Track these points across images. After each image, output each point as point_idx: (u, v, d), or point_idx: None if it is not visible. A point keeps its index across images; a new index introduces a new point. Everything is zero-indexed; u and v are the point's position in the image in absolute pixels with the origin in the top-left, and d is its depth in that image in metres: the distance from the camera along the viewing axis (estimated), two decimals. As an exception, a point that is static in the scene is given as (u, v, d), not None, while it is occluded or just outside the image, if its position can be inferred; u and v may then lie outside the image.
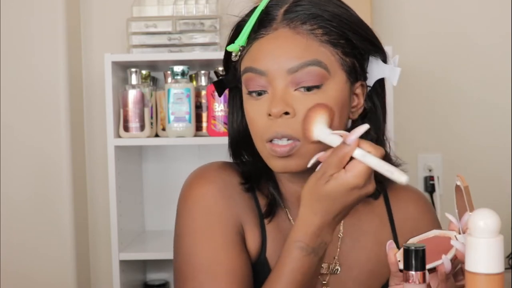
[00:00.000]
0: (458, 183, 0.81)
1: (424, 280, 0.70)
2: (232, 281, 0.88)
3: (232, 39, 0.92)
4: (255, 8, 0.90)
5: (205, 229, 0.91)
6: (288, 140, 0.85)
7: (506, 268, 1.34)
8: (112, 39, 2.04)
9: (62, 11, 1.93)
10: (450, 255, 0.78)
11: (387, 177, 0.75)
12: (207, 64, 1.90)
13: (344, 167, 0.78)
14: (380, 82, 0.96)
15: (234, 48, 0.89)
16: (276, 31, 0.87)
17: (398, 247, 0.96)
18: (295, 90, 0.85)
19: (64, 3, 1.93)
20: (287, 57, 0.85)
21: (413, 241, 0.83)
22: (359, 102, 0.93)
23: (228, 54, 0.93)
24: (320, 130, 0.81)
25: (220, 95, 0.99)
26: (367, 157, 0.76)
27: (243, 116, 0.94)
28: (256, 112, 0.87)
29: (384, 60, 0.94)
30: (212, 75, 1.93)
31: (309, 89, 0.85)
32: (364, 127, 0.78)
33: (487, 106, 2.04)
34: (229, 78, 0.95)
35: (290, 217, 0.96)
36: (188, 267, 0.90)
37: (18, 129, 1.94)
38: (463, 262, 0.77)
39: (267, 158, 0.88)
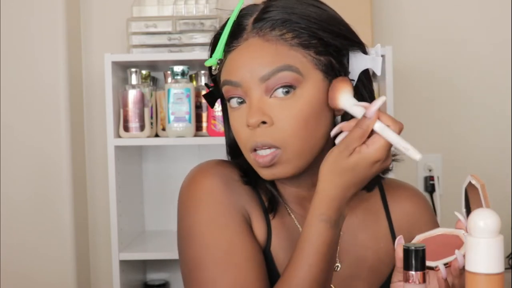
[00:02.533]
0: (473, 181, 0.81)
1: (424, 280, 0.70)
2: (252, 268, 0.88)
3: (211, 53, 0.93)
4: (228, 19, 0.91)
5: (217, 219, 0.90)
6: (269, 149, 0.86)
7: (506, 268, 1.34)
8: (112, 39, 2.05)
9: (62, 11, 1.93)
10: (463, 250, 0.78)
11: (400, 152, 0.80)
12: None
13: (364, 142, 0.81)
14: (366, 74, 0.95)
15: (211, 62, 0.91)
16: (246, 41, 0.88)
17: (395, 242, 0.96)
18: (271, 97, 0.86)
19: (64, 3, 1.93)
20: (258, 65, 0.86)
21: (419, 238, 0.83)
22: (337, 110, 0.92)
23: (210, 68, 0.94)
24: (346, 100, 0.84)
25: (212, 107, 1.00)
26: (386, 131, 0.82)
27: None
28: (238, 123, 0.89)
29: (364, 52, 0.92)
30: (212, 75, 1.93)
31: (286, 92, 0.85)
32: (382, 99, 0.82)
33: (487, 106, 2.04)
34: (217, 90, 0.96)
35: (291, 214, 0.96)
36: (206, 258, 0.88)
37: (18, 129, 1.94)
38: (454, 275, 0.78)
39: (255, 167, 0.89)
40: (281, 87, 0.85)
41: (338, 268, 0.95)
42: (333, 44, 0.88)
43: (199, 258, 0.89)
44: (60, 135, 1.94)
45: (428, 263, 0.78)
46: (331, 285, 0.94)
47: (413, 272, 0.70)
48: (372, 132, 0.82)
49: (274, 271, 0.92)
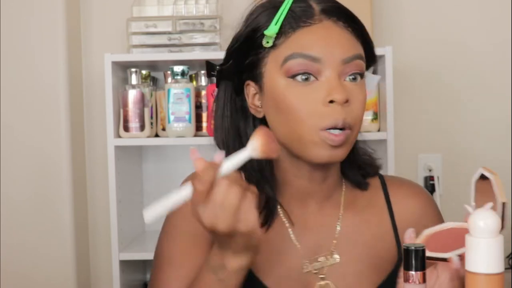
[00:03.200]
0: (486, 173, 0.81)
1: (424, 280, 0.70)
2: (178, 279, 0.92)
3: (259, 21, 0.90)
4: None
5: (173, 228, 0.97)
6: (341, 129, 0.86)
7: (506, 268, 1.34)
8: (112, 39, 2.04)
9: (62, 11, 1.93)
10: None
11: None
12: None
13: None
14: None
15: (273, 32, 0.88)
16: (321, 23, 0.89)
17: (398, 241, 0.96)
18: (344, 80, 0.88)
19: (64, 3, 1.93)
20: (342, 48, 0.87)
21: (429, 233, 0.83)
22: None
23: (250, 41, 0.91)
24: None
25: (208, 76, 1.00)
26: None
27: (240, 113, 0.95)
28: (303, 98, 0.87)
29: (368, 67, 0.97)
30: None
31: (354, 78, 0.88)
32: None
33: (487, 106, 2.04)
34: (229, 69, 0.94)
35: (284, 219, 0.96)
36: (155, 258, 0.98)
37: (18, 129, 1.94)
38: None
39: (316, 146, 0.87)
40: (354, 73, 0.88)
41: (337, 260, 0.95)
42: (369, 53, 0.93)
43: (154, 257, 0.99)
44: (60, 135, 1.94)
45: (441, 254, 0.78)
46: (328, 282, 0.94)
47: (413, 272, 0.70)
48: None
49: (249, 273, 0.91)
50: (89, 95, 2.07)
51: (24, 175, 1.94)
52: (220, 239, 0.79)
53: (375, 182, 1.02)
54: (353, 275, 0.95)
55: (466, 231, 0.79)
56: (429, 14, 2.05)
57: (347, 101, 0.86)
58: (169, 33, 1.86)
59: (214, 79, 0.99)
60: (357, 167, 1.00)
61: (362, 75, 0.90)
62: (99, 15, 2.07)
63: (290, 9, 0.89)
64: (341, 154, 0.88)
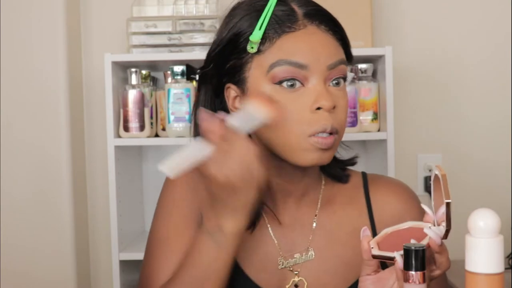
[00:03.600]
0: (436, 172, 0.82)
1: (424, 280, 0.70)
2: (171, 262, 0.93)
3: (241, 26, 0.90)
4: None
5: (164, 212, 0.99)
6: (329, 133, 0.87)
7: (506, 268, 1.34)
8: (112, 39, 2.05)
9: (62, 11, 1.93)
10: (424, 241, 0.78)
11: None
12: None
13: None
14: None
15: (257, 38, 0.87)
16: (306, 28, 0.89)
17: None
18: (328, 86, 0.89)
19: (64, 3, 1.93)
20: (327, 54, 0.88)
21: (387, 231, 0.83)
22: None
23: (230, 44, 0.91)
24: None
25: (187, 79, 1.01)
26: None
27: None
28: (292, 106, 0.87)
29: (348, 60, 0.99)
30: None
31: (337, 83, 0.89)
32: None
33: (487, 106, 2.04)
34: (211, 73, 0.94)
35: (264, 215, 0.97)
36: (148, 242, 1.00)
37: (18, 129, 1.94)
38: (436, 251, 0.79)
39: (304, 151, 0.87)
40: (337, 78, 0.89)
41: (312, 256, 0.96)
42: (347, 53, 0.94)
43: (147, 242, 1.01)
44: (60, 135, 1.94)
45: (387, 253, 0.78)
46: (302, 278, 0.95)
47: (413, 272, 0.70)
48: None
49: (237, 267, 0.94)
50: (89, 95, 2.07)
51: (24, 175, 1.94)
52: (225, 196, 0.80)
53: (357, 180, 1.02)
54: (327, 272, 0.95)
55: (421, 230, 0.80)
56: (429, 14, 2.05)
57: (334, 107, 0.87)
58: (169, 33, 1.86)
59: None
60: (335, 160, 1.01)
61: (345, 79, 0.91)
62: (99, 15, 2.07)
63: (273, 13, 0.89)
64: (328, 156, 0.89)
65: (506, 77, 2.02)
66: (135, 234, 1.97)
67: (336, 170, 1.01)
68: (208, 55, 0.95)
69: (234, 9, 0.93)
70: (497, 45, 2.03)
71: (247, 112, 0.80)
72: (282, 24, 0.88)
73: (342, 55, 0.90)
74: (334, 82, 0.89)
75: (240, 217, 0.82)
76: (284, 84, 0.87)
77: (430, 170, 2.04)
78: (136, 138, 1.81)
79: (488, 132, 2.04)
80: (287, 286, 0.95)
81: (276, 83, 0.87)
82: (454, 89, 2.04)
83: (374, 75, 1.84)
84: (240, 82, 0.91)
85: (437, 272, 0.80)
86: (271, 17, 0.88)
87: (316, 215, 0.98)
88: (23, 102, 1.94)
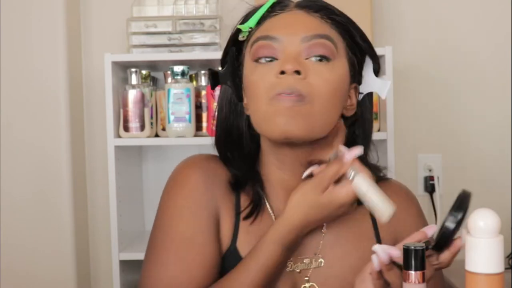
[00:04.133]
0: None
1: (423, 280, 0.70)
2: (187, 268, 0.91)
3: (242, 22, 0.95)
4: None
5: (179, 211, 0.95)
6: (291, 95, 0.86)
7: (506, 268, 1.34)
8: (112, 39, 2.05)
9: (62, 11, 1.93)
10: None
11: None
12: (207, 64, 1.90)
13: (336, 182, 0.85)
14: (369, 96, 0.99)
15: (244, 27, 0.92)
16: (291, 11, 0.92)
17: (380, 242, 0.96)
18: (306, 59, 0.88)
19: (64, 3, 1.93)
20: (303, 28, 0.89)
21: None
22: (352, 102, 0.96)
23: (233, 41, 0.95)
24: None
25: (212, 88, 1.01)
26: (358, 178, 0.84)
27: (235, 115, 0.97)
28: (262, 75, 0.88)
29: (376, 73, 0.97)
30: (212, 75, 1.93)
31: (320, 59, 0.88)
32: (360, 150, 0.86)
33: (487, 106, 2.04)
34: (225, 73, 0.97)
35: (270, 211, 0.97)
36: (163, 238, 0.94)
37: (18, 129, 1.94)
38: (384, 269, 0.78)
39: (270, 117, 0.87)
40: (318, 56, 0.88)
41: (322, 263, 0.95)
42: (361, 47, 0.94)
43: (158, 236, 0.95)
44: (60, 135, 1.94)
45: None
46: (313, 284, 0.94)
47: (412, 272, 0.70)
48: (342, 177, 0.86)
49: None
50: (89, 95, 2.07)
51: (24, 175, 1.94)
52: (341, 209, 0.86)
53: None
54: (336, 278, 0.95)
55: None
56: (429, 14, 2.05)
57: (299, 72, 0.86)
58: (169, 33, 1.86)
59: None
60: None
61: (329, 59, 0.88)
62: (99, 15, 2.07)
63: (271, 7, 0.93)
64: (296, 125, 0.85)
65: (506, 77, 2.02)
66: (135, 234, 1.97)
67: None
68: (222, 59, 0.99)
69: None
70: (497, 45, 2.03)
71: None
72: (272, 12, 0.93)
73: (325, 31, 0.89)
74: (316, 58, 0.88)
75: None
76: (262, 60, 0.89)
77: (430, 170, 2.04)
78: (136, 138, 1.81)
79: (488, 132, 2.04)
80: None
81: (255, 61, 0.90)
82: (454, 89, 2.04)
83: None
84: (242, 75, 0.95)
85: None
86: (267, 10, 0.93)
87: None
88: (23, 102, 1.94)
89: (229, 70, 0.96)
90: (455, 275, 1.02)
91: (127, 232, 1.87)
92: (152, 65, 1.93)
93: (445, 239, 0.76)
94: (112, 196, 1.78)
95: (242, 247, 0.94)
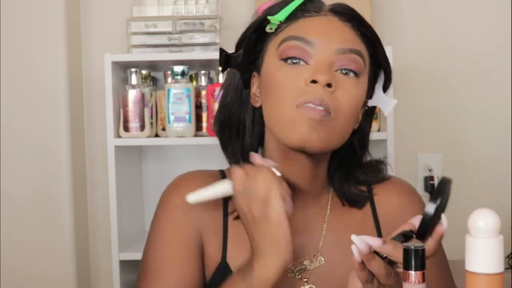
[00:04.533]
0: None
1: (423, 280, 0.70)
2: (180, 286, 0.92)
3: (270, 13, 0.92)
4: None
5: (161, 235, 0.96)
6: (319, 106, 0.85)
7: (506, 268, 1.34)
8: (112, 39, 2.05)
9: (62, 11, 1.93)
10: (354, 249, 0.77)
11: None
12: (207, 64, 1.90)
13: None
14: (372, 109, 1.00)
15: (275, 20, 0.90)
16: (326, 17, 0.90)
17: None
18: (336, 70, 0.87)
19: (64, 3, 1.93)
20: (338, 38, 0.88)
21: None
22: (359, 116, 0.96)
23: (255, 28, 0.92)
24: None
25: (223, 71, 0.98)
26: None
27: (239, 103, 0.96)
28: (289, 77, 0.87)
29: (385, 89, 0.97)
30: (213, 75, 1.93)
31: (347, 73, 0.87)
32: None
33: (487, 106, 2.04)
34: (239, 58, 0.94)
35: None
36: (142, 267, 0.96)
37: (19, 129, 1.94)
38: (366, 260, 0.75)
39: (293, 124, 0.86)
40: (348, 68, 0.87)
41: (322, 262, 0.95)
42: (381, 66, 0.94)
43: (140, 265, 0.97)
44: (60, 135, 1.94)
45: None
46: (312, 286, 0.94)
47: (412, 272, 0.70)
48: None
49: None
50: (89, 95, 2.07)
51: (25, 175, 1.94)
52: (250, 230, 0.83)
53: None
54: (336, 279, 0.94)
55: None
56: (429, 14, 2.05)
57: (330, 85, 0.85)
58: (169, 33, 1.86)
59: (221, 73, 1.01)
60: (353, 181, 0.98)
61: (357, 74, 0.88)
62: (99, 15, 2.07)
63: (301, 4, 0.91)
64: (318, 137, 0.85)
65: (506, 77, 2.02)
66: (135, 234, 1.97)
67: (351, 192, 0.98)
68: (238, 41, 0.96)
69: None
70: (497, 45, 2.03)
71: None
72: (305, 11, 0.90)
73: (357, 47, 0.88)
74: (343, 70, 0.87)
75: (271, 263, 0.81)
76: (289, 61, 0.88)
77: (430, 170, 2.04)
78: (136, 138, 1.81)
79: (488, 132, 2.04)
80: None
81: (282, 59, 0.88)
82: (454, 89, 2.04)
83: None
84: (259, 67, 0.93)
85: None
86: (299, 6, 0.91)
87: (326, 220, 0.97)
88: (23, 102, 1.94)
89: (244, 57, 0.93)
90: (455, 275, 1.02)
91: (127, 232, 1.87)
92: (152, 65, 1.93)
93: (425, 225, 0.75)
94: (112, 196, 1.78)
95: (233, 261, 0.94)
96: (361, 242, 0.74)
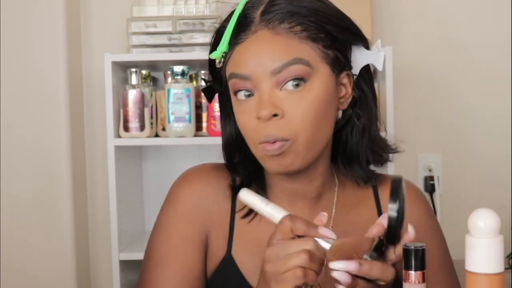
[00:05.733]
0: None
1: (423, 280, 0.70)
2: (172, 283, 0.92)
3: (214, 46, 0.93)
4: (232, 12, 0.90)
5: (166, 228, 0.97)
6: (280, 141, 0.85)
7: (506, 268, 1.34)
8: (112, 39, 2.05)
9: (62, 11, 1.93)
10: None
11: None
12: (207, 64, 1.90)
13: None
14: (366, 69, 0.96)
15: (217, 55, 0.90)
16: (255, 34, 0.87)
17: None
18: (281, 90, 0.86)
19: (64, 3, 1.93)
20: (269, 59, 0.85)
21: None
22: (347, 91, 0.93)
23: (212, 61, 0.94)
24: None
25: (209, 101, 1.01)
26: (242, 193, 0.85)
27: (235, 120, 0.96)
28: (246, 116, 0.88)
29: (367, 47, 0.94)
30: (212, 75, 1.93)
31: (296, 84, 0.85)
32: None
33: (487, 106, 2.04)
34: (217, 84, 0.96)
35: None
36: (146, 259, 0.97)
37: (19, 129, 1.94)
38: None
39: (262, 159, 0.89)
40: (292, 79, 0.85)
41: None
42: (340, 38, 0.89)
43: (144, 257, 0.98)
44: (60, 135, 1.94)
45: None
46: (317, 283, 0.94)
47: (412, 272, 0.70)
48: None
49: (238, 275, 0.94)
50: (89, 95, 2.07)
51: (24, 175, 1.94)
52: (267, 280, 0.78)
53: None
54: None
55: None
56: (429, 14, 2.05)
57: (276, 115, 0.85)
58: (169, 33, 1.86)
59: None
60: (361, 161, 0.97)
61: (305, 80, 0.85)
62: (99, 15, 2.07)
63: (236, 21, 0.89)
64: (287, 162, 0.86)
65: (506, 77, 2.02)
66: (135, 234, 1.97)
67: (361, 172, 0.98)
68: (208, 69, 0.99)
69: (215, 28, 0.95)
70: (497, 45, 2.03)
71: None
72: (237, 33, 0.88)
73: (295, 54, 0.85)
74: (293, 83, 0.85)
75: None
76: (240, 94, 0.88)
77: (430, 170, 2.04)
78: (136, 138, 1.81)
79: (488, 132, 2.04)
80: None
81: (234, 94, 0.89)
82: (454, 89, 2.04)
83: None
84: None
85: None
86: (233, 28, 0.88)
87: (332, 219, 0.97)
88: (23, 102, 1.94)
89: (219, 82, 0.96)
90: (455, 275, 1.02)
91: (127, 232, 1.87)
92: (152, 65, 1.93)
93: (392, 230, 0.75)
94: (112, 196, 1.78)
95: (238, 254, 0.94)
96: (341, 274, 0.74)
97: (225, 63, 0.91)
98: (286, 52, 0.85)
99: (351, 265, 0.73)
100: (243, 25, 0.88)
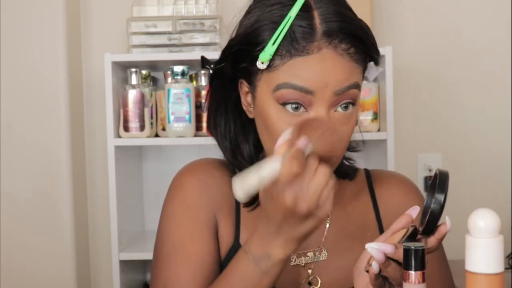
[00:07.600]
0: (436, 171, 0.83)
1: (423, 280, 0.70)
2: (190, 268, 0.92)
3: (256, 37, 0.87)
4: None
5: (176, 216, 0.96)
6: None
7: (506, 268, 1.34)
8: (112, 39, 2.05)
9: (62, 11, 1.93)
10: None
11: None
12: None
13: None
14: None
15: (266, 58, 0.85)
16: (320, 51, 0.84)
17: (383, 232, 0.96)
18: (335, 111, 0.86)
19: (64, 3, 1.93)
20: (336, 80, 0.84)
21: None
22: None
23: (243, 50, 0.89)
24: None
25: (202, 67, 0.99)
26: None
27: (236, 118, 0.98)
28: (285, 125, 0.84)
29: (376, 63, 0.96)
30: (212, 75, 1.93)
31: (344, 107, 0.86)
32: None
33: (487, 106, 2.04)
34: (225, 69, 0.94)
35: None
36: (159, 248, 0.96)
37: (19, 129, 1.94)
38: (382, 267, 0.77)
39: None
40: (346, 102, 0.86)
41: (325, 256, 0.96)
42: (373, 56, 0.92)
43: (156, 247, 0.97)
44: (60, 135, 1.94)
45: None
46: (316, 276, 0.95)
47: (412, 272, 0.70)
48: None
49: None
50: (89, 95, 2.07)
51: (24, 175, 1.94)
52: (287, 224, 0.78)
53: (360, 176, 1.03)
54: (340, 269, 0.95)
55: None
56: (429, 14, 2.05)
57: None
58: (169, 33, 1.86)
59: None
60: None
61: (354, 103, 0.87)
62: (99, 15, 2.07)
63: (291, 26, 0.84)
64: None
65: (506, 77, 2.02)
66: (135, 234, 1.97)
67: (344, 167, 1.00)
68: (223, 53, 0.94)
69: (254, 14, 0.91)
70: (497, 45, 2.03)
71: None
72: (296, 44, 0.84)
73: (355, 79, 0.86)
74: (342, 105, 0.86)
75: (292, 246, 0.80)
76: (288, 106, 0.85)
77: (430, 170, 2.04)
78: (136, 138, 1.81)
79: (488, 132, 2.04)
80: (302, 283, 0.95)
81: (280, 104, 0.86)
82: (454, 89, 2.04)
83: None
84: (251, 84, 0.91)
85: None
86: (288, 32, 0.84)
87: (329, 214, 0.96)
88: (23, 102, 1.94)
89: (230, 68, 0.93)
90: (455, 275, 1.02)
91: (127, 232, 1.87)
92: (152, 65, 1.93)
93: (433, 223, 0.77)
94: (112, 196, 1.78)
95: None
96: (377, 252, 0.76)
97: (272, 66, 0.86)
98: (349, 76, 0.86)
99: (388, 248, 0.76)
100: (301, 33, 0.84)
